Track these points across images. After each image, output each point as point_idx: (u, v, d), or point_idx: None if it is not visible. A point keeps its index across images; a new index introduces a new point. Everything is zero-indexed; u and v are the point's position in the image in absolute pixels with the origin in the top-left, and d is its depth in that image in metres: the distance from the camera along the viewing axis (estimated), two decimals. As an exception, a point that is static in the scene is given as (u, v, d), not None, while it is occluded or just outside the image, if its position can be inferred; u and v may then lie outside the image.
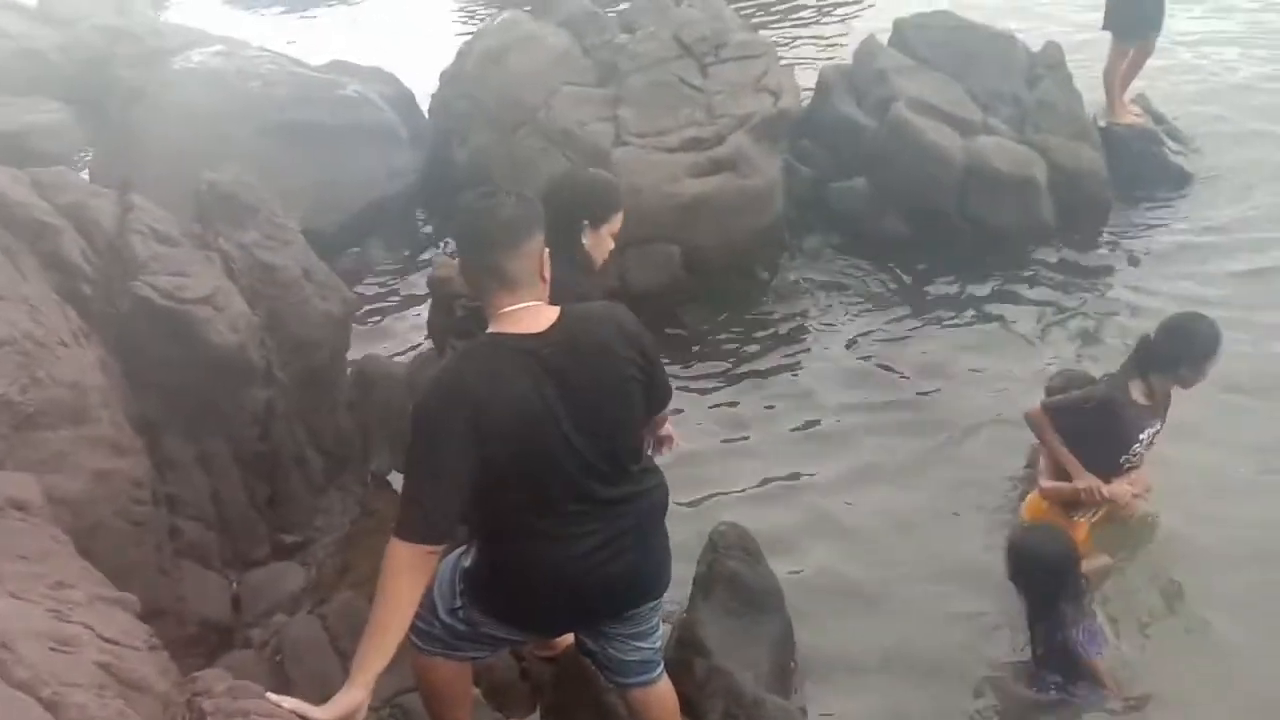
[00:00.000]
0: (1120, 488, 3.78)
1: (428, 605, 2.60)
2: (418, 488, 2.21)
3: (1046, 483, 3.89)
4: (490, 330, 2.31)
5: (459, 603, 2.53)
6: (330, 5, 13.58)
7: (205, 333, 3.59)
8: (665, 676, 2.73)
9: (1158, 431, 3.83)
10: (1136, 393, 3.74)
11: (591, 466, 2.31)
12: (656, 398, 2.50)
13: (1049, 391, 4.11)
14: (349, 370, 4.58)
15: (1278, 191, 6.59)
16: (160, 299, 3.55)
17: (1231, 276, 5.86)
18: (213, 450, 3.82)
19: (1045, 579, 3.38)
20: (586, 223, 2.94)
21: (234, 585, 3.82)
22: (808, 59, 9.03)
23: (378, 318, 6.01)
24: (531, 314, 2.28)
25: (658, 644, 2.68)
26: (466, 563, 2.53)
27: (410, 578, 2.19)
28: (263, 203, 4.21)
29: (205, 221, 4.13)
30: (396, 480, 4.37)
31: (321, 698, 2.15)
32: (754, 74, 6.52)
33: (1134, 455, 3.78)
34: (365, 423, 4.48)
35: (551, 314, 2.31)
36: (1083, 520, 3.84)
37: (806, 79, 7.09)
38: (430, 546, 2.19)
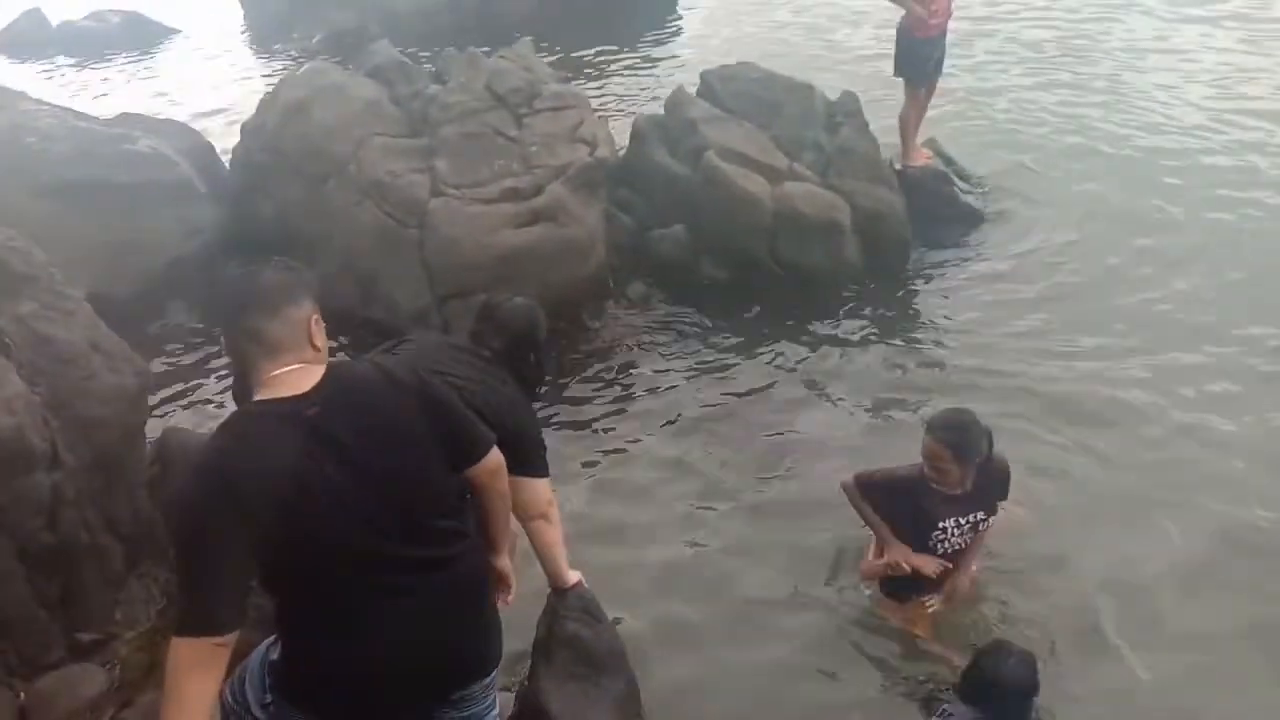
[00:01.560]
0: (928, 561, 3.77)
1: (241, 700, 2.41)
2: (192, 580, 2.02)
3: (864, 563, 3.96)
4: (254, 399, 2.13)
5: (269, 697, 2.34)
6: (121, 56, 12.87)
7: (-25, 417, 3.23)
8: None
9: (981, 521, 3.80)
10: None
11: (381, 529, 2.14)
12: (463, 447, 2.33)
13: None
14: (149, 445, 4.24)
15: (1056, 226, 7.16)
16: (-81, 382, 3.18)
17: (1022, 304, 6.31)
18: (-10, 546, 3.44)
19: (1005, 707, 3.11)
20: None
21: (20, 696, 3.42)
22: (621, 110, 9.20)
23: (181, 386, 5.63)
24: (295, 376, 2.12)
25: None
26: (274, 655, 2.34)
27: (199, 676, 1.98)
28: (41, 270, 3.86)
29: (-27, 293, 3.75)
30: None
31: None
32: (569, 124, 6.57)
33: (943, 539, 3.77)
34: (168, 501, 4.14)
35: (317, 373, 2.14)
36: (927, 603, 3.88)
37: (620, 129, 7.20)
38: (215, 638, 1.98)
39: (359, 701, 2.26)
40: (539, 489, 3.11)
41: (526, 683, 3.22)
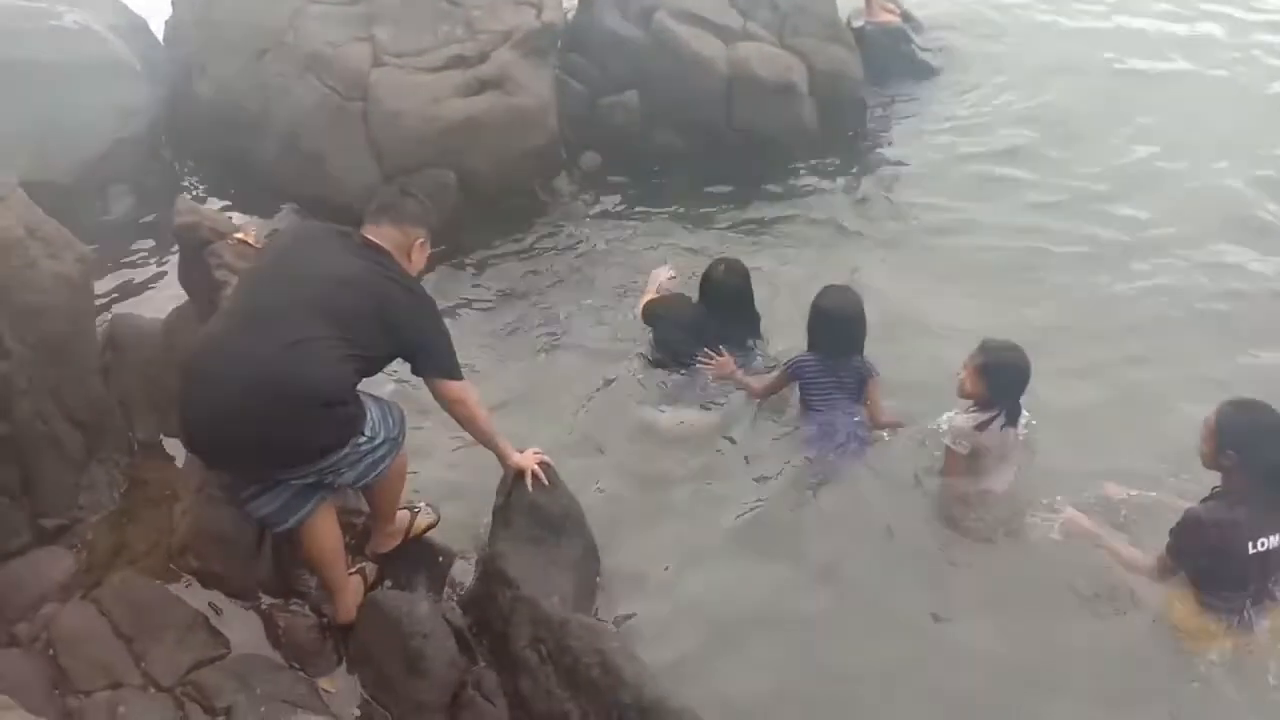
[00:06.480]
0: None
1: None
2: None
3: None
4: None
5: None
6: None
7: (-88, 309, 3.18)
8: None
9: None
10: None
11: (305, 291, 3.02)
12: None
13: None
14: (99, 333, 4.20)
15: (1011, 83, 7.11)
16: None
17: (982, 161, 6.32)
18: (-55, 438, 3.44)
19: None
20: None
21: (-11, 581, 3.49)
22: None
23: (128, 272, 5.53)
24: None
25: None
26: None
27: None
28: (-32, 156, 3.74)
29: (-101, 182, 3.64)
30: (167, 446, 4.09)
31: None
32: (513, -13, 6.32)
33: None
34: (124, 387, 4.14)
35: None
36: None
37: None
38: None
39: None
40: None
41: (487, 547, 3.30)
